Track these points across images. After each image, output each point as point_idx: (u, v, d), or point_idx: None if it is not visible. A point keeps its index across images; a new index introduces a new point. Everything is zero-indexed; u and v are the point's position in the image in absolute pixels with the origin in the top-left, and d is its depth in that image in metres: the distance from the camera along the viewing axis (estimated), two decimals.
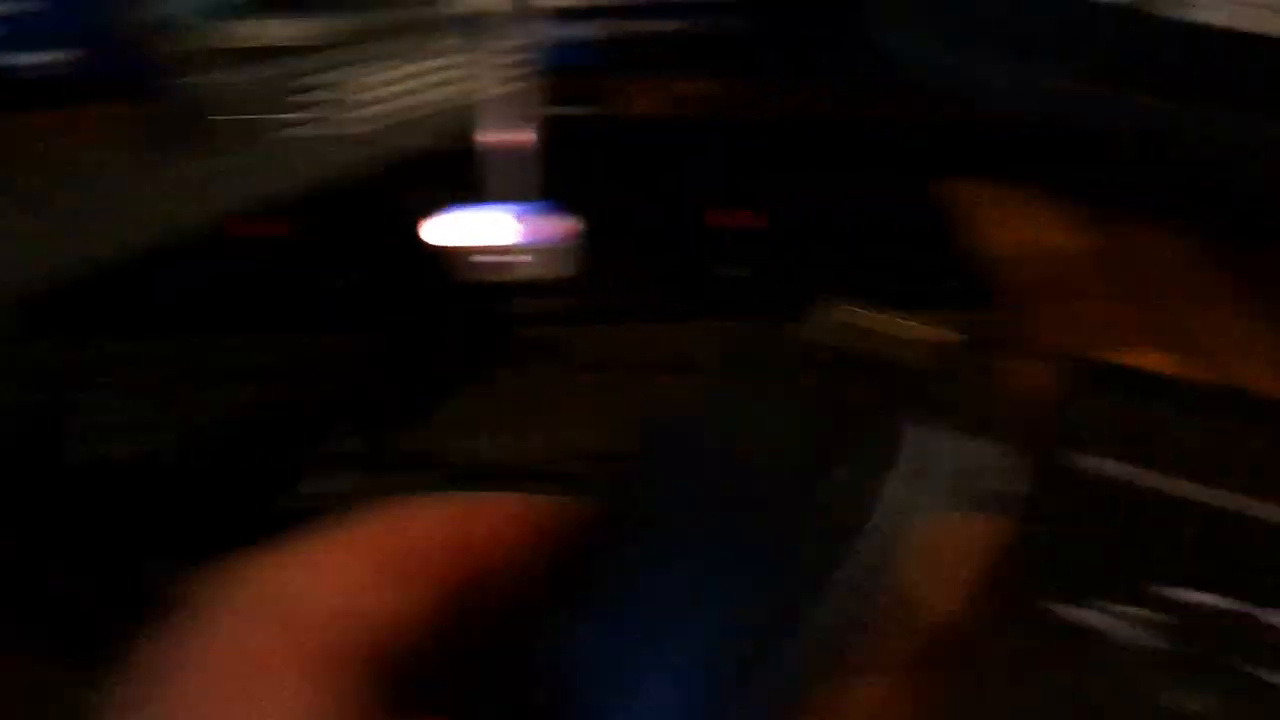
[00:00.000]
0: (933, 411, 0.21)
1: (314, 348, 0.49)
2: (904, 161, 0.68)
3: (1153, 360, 0.65)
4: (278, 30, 0.32)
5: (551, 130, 0.53)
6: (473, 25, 0.36)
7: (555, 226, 0.51)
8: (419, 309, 0.51)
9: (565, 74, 0.82)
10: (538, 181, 0.52)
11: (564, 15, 0.75)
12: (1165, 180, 0.72)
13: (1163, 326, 0.67)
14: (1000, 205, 0.76)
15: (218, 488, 0.49)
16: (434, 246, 0.51)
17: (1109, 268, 0.72)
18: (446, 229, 0.52)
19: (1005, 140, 0.75)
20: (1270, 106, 0.65)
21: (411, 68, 0.33)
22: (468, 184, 0.53)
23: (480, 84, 0.33)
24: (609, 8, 0.79)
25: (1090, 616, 0.47)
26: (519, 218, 0.51)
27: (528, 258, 0.50)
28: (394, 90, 0.33)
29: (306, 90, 0.33)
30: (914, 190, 0.66)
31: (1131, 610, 0.47)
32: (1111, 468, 0.54)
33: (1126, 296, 0.70)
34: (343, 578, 0.20)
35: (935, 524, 0.21)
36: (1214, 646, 0.46)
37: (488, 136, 0.51)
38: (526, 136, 0.52)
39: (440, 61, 0.33)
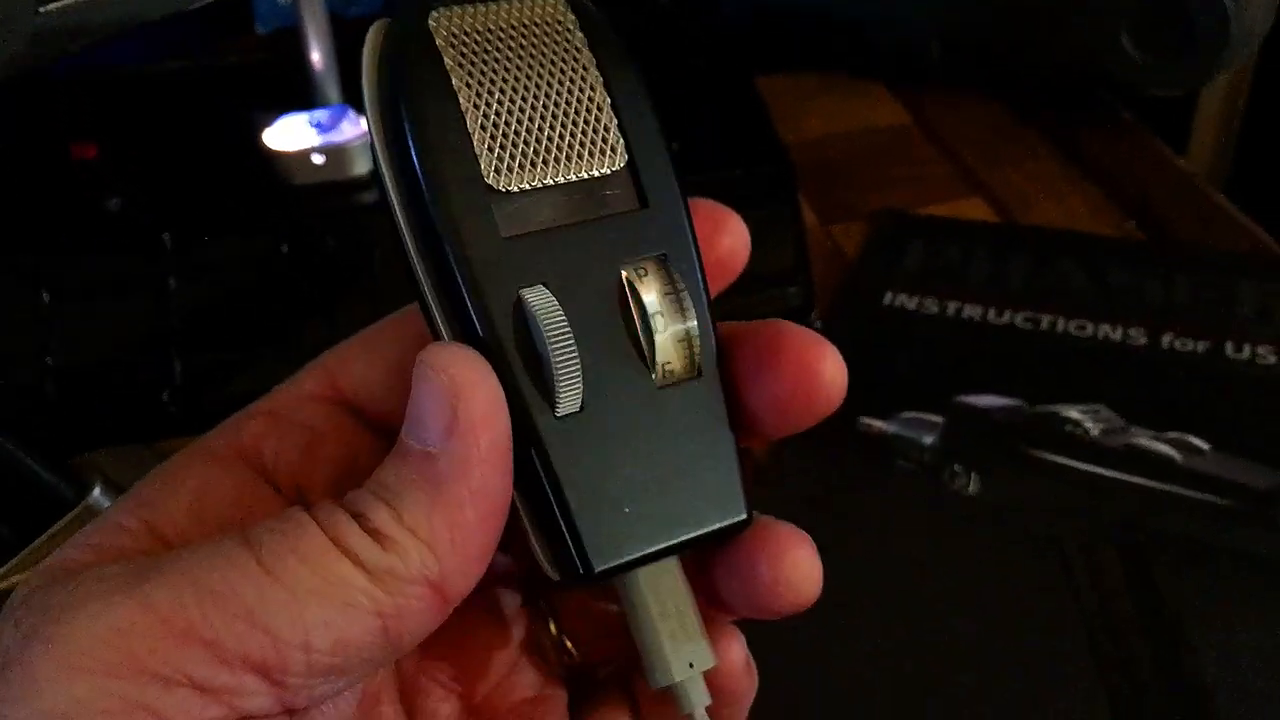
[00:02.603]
0: None
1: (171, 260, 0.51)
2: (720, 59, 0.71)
3: (974, 210, 0.68)
4: None
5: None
6: None
7: (352, 128, 0.53)
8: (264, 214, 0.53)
9: None
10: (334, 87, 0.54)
11: None
12: (967, 53, 0.75)
13: (980, 181, 0.71)
14: (819, 93, 0.79)
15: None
16: (271, 153, 0.53)
17: (929, 136, 0.75)
18: (279, 135, 0.53)
19: (818, 33, 0.78)
20: None
21: None
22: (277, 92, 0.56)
23: None
24: None
25: (891, 425, 0.50)
26: (317, 122, 0.53)
27: (323, 158, 0.52)
28: None
29: None
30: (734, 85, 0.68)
31: (925, 416, 0.50)
32: (912, 301, 0.58)
33: (947, 159, 0.73)
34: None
35: None
36: (991, 436, 0.49)
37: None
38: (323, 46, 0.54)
39: None
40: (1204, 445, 0.48)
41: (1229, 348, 0.53)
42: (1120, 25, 0.68)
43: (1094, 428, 0.49)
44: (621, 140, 0.23)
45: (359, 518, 0.21)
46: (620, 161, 0.23)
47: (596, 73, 0.23)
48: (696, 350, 0.23)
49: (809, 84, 0.80)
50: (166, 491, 0.23)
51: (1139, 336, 0.54)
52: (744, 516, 0.24)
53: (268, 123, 0.54)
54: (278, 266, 0.52)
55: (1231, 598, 0.43)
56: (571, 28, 0.24)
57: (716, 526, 0.23)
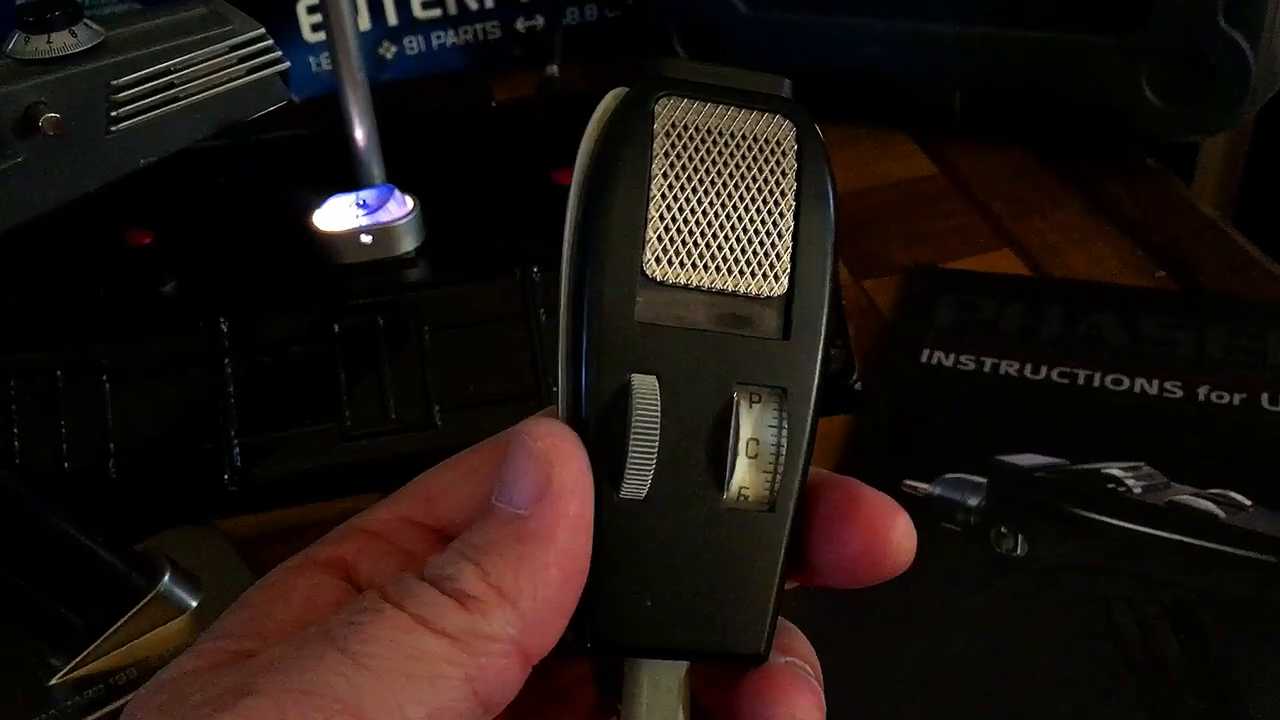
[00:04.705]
0: None
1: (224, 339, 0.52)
2: None
3: (1004, 261, 0.69)
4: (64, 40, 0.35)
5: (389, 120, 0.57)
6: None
7: (398, 207, 0.55)
8: (313, 294, 0.54)
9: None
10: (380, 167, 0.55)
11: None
12: (990, 104, 0.76)
13: (1008, 231, 0.72)
14: (843, 145, 0.80)
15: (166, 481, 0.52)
16: (320, 233, 0.54)
17: (956, 187, 0.76)
18: (328, 216, 0.55)
19: (840, 85, 0.79)
20: (1072, 25, 0.70)
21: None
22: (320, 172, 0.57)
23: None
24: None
25: (935, 487, 0.51)
26: (363, 201, 0.54)
27: (370, 238, 0.54)
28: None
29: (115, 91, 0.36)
30: None
31: (968, 477, 0.51)
32: (949, 358, 0.58)
33: (974, 210, 0.74)
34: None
35: None
36: (1034, 495, 0.50)
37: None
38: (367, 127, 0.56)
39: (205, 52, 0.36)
40: (1245, 501, 0.49)
41: (1265, 399, 0.54)
42: (1142, 73, 0.70)
43: (1136, 485, 0.50)
44: (789, 271, 0.24)
45: (444, 580, 0.22)
46: (779, 289, 0.24)
47: (793, 201, 0.24)
48: (777, 487, 0.24)
49: (831, 136, 0.81)
50: (274, 598, 0.24)
51: (1175, 390, 0.55)
52: (758, 652, 0.25)
53: (315, 203, 0.55)
54: (330, 344, 0.53)
55: None
56: (788, 152, 0.24)
57: (726, 651, 0.24)
